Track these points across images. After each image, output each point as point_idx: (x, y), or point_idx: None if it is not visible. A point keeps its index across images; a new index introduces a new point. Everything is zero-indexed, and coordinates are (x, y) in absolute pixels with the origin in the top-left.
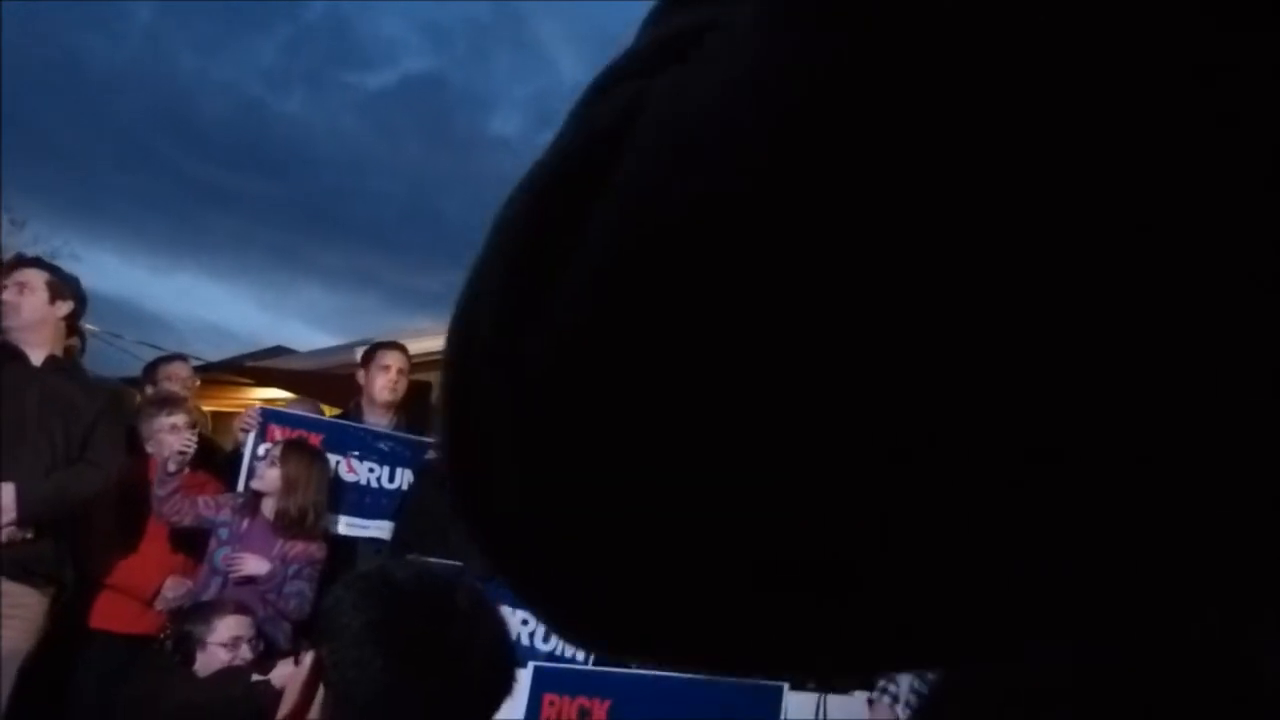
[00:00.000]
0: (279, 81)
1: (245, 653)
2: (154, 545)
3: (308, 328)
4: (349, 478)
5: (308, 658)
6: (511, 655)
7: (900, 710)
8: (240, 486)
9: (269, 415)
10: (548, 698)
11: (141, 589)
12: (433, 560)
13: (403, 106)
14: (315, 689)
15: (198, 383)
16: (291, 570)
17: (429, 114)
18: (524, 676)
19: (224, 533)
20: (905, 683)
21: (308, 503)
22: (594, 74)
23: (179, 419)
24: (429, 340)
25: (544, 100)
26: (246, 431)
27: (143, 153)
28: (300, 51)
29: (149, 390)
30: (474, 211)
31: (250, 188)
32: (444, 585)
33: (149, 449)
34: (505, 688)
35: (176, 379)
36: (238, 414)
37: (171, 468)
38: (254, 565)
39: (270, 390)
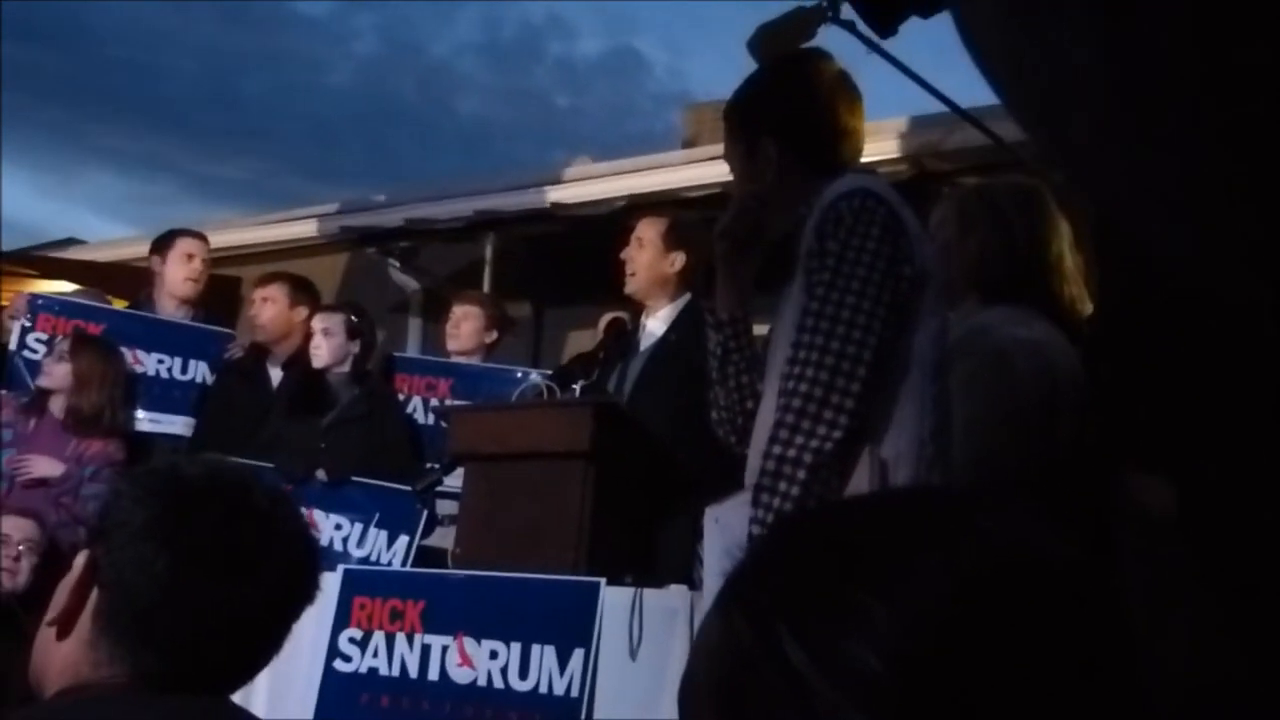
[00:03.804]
0: None
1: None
2: None
3: (96, 217)
4: (136, 369)
5: (81, 557)
6: (315, 558)
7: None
8: (24, 383)
9: (38, 303)
10: (358, 600)
11: None
12: (234, 459)
13: None
14: (87, 591)
15: None
16: (89, 472)
17: None
18: (334, 580)
19: (7, 434)
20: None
21: (102, 400)
22: None
23: None
24: (236, 233)
25: None
26: (15, 320)
27: None
28: None
29: None
30: (277, 95)
31: (22, 58)
32: (240, 482)
33: None
34: (306, 593)
35: None
36: None
37: None
38: (45, 467)
39: (60, 284)
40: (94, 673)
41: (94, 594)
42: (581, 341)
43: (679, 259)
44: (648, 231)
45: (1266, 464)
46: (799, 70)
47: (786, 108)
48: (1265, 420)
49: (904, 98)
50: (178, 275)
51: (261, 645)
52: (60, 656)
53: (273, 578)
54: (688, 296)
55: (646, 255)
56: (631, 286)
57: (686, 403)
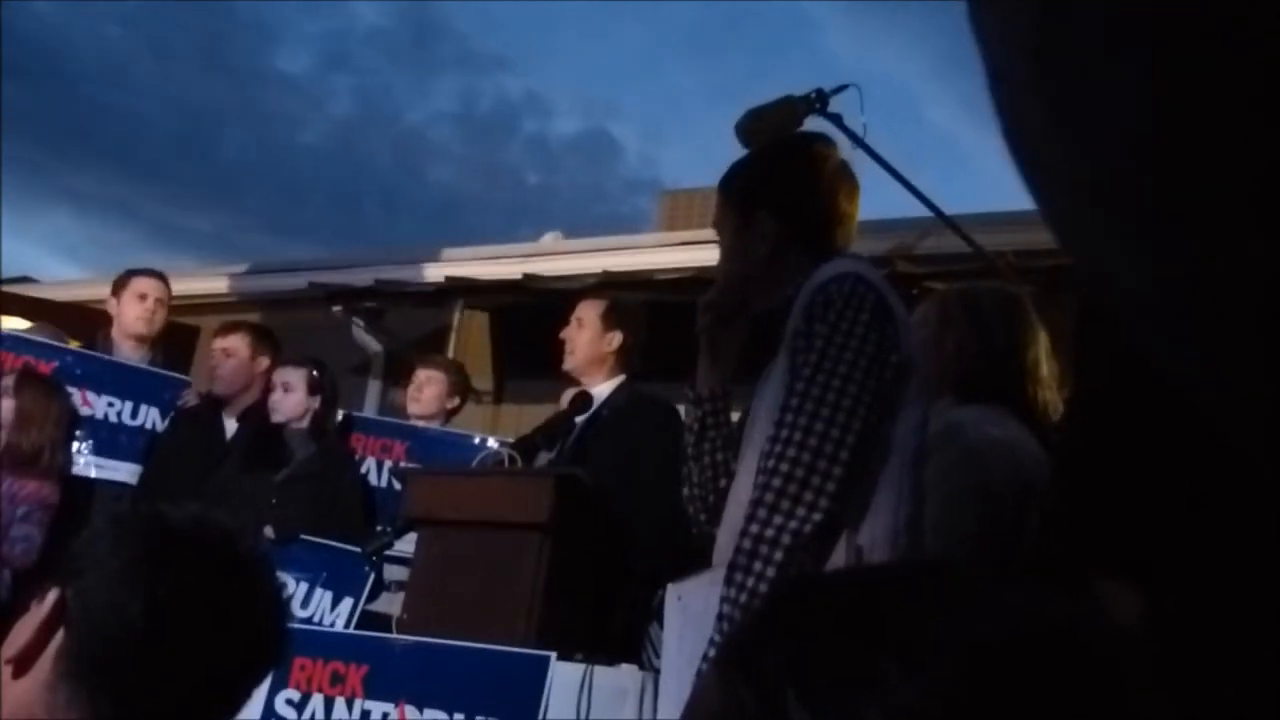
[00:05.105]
0: None
1: None
2: None
3: (54, 258)
4: (84, 411)
5: (50, 595)
6: (287, 620)
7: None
8: None
9: None
10: (299, 661)
11: None
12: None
13: (175, 24)
14: (52, 631)
15: None
16: (20, 512)
17: (206, 37)
18: None
19: None
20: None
21: (43, 440)
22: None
23: None
24: (197, 281)
25: (336, 40)
26: None
27: None
28: None
29: None
30: (250, 149)
31: None
32: (225, 534)
33: None
34: (276, 655)
35: None
36: None
37: None
38: None
39: (12, 321)
40: (48, 716)
41: (59, 635)
42: (540, 416)
43: (616, 338)
44: (587, 312)
45: (1238, 581)
46: (804, 151)
47: (788, 185)
48: (1240, 536)
49: (878, 199)
50: (129, 315)
51: (223, 704)
52: (13, 696)
53: (247, 635)
54: (623, 377)
55: (585, 334)
56: (569, 364)
57: (615, 481)
